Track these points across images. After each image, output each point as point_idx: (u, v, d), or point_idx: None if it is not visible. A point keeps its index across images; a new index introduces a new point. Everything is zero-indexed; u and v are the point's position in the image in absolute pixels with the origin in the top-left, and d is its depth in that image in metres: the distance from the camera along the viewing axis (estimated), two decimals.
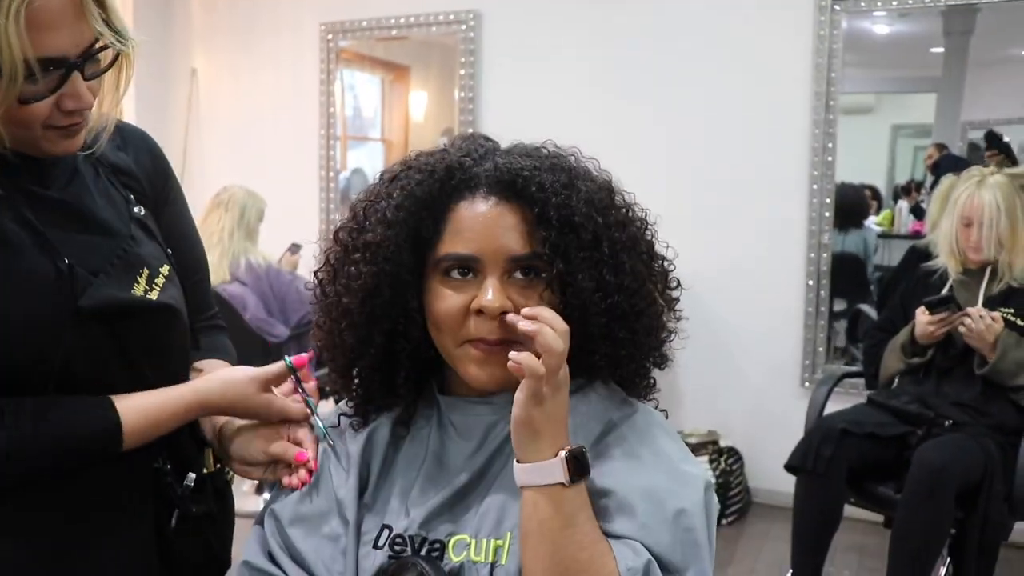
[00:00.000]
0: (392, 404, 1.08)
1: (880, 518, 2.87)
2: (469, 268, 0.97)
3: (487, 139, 1.07)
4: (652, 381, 1.09)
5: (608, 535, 0.92)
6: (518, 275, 0.97)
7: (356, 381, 1.07)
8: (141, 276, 1.07)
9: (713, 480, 1.09)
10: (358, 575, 1.00)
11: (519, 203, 0.97)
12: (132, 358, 1.06)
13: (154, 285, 1.08)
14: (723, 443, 3.76)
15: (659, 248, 1.08)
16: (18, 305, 0.95)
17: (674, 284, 1.09)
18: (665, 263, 1.08)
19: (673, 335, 1.09)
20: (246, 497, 3.83)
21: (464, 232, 0.97)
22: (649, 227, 1.07)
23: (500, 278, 0.96)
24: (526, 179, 0.96)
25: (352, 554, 1.01)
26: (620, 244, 0.99)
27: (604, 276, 0.96)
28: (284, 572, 1.04)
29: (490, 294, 0.94)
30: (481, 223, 0.97)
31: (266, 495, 3.76)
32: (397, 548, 0.99)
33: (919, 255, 3.12)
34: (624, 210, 1.03)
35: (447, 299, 0.97)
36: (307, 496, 1.06)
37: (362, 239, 1.00)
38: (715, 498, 1.01)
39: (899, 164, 4.06)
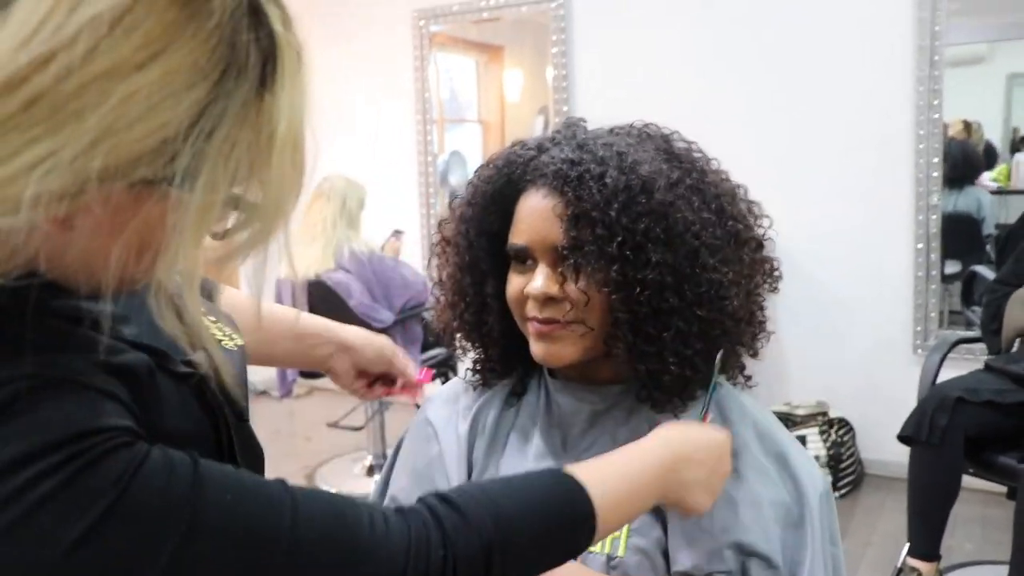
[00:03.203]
0: (503, 375, 1.15)
1: (1003, 489, 2.77)
2: (527, 256, 1.02)
3: (576, 124, 1.09)
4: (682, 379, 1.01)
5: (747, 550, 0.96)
6: (569, 265, 0.98)
7: (467, 350, 1.16)
8: (209, 315, 0.83)
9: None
10: None
11: (562, 195, 0.98)
12: None
13: (223, 330, 0.85)
14: (833, 414, 3.67)
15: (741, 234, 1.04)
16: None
17: (766, 276, 1.07)
18: (747, 250, 1.04)
19: (750, 339, 1.06)
20: (357, 479, 3.96)
21: (520, 223, 1.02)
22: (722, 219, 1.01)
23: (551, 266, 0.99)
24: (555, 173, 0.99)
25: None
26: (653, 237, 0.95)
27: (611, 272, 0.95)
28: None
29: (537, 281, 0.99)
30: (532, 215, 1.01)
31: (377, 477, 3.87)
32: None
33: None
34: (670, 202, 0.96)
35: (511, 283, 1.04)
36: (420, 474, 1.13)
37: (444, 233, 1.12)
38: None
39: (1016, 115, 3.86)
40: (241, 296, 1.09)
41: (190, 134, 0.54)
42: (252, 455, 0.82)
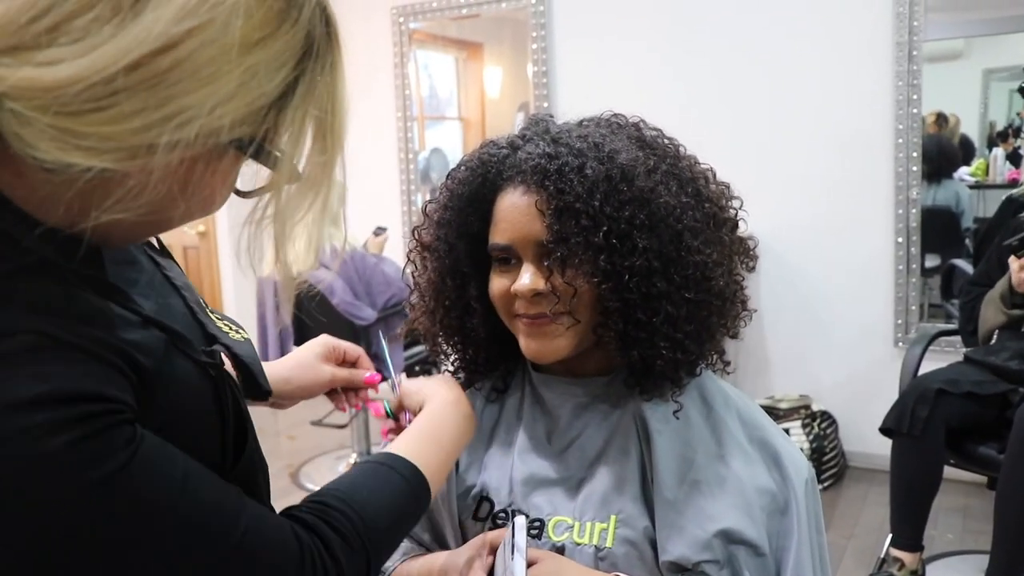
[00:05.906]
0: (487, 373, 1.15)
1: (983, 479, 2.80)
2: (511, 255, 1.01)
3: (544, 119, 1.08)
4: (675, 361, 1.00)
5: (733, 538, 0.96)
6: (555, 259, 0.98)
7: (448, 354, 1.16)
8: (213, 313, 0.87)
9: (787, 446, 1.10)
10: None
11: (542, 190, 0.98)
12: None
13: (230, 326, 0.89)
14: (816, 407, 3.70)
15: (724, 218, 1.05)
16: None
17: (743, 255, 1.07)
18: (728, 236, 1.05)
19: (733, 320, 1.06)
20: None
21: (500, 223, 1.01)
22: (699, 202, 1.01)
23: (536, 262, 0.99)
24: (533, 168, 0.98)
25: (457, 526, 1.08)
26: (637, 223, 0.95)
27: (599, 262, 0.95)
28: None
29: (524, 278, 0.98)
30: (513, 212, 1.00)
31: None
32: (500, 522, 1.05)
33: (1016, 205, 3.00)
34: (651, 188, 0.97)
35: (495, 283, 1.03)
36: None
37: (423, 239, 1.10)
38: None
39: (992, 110, 3.89)
40: None
41: (282, 104, 0.66)
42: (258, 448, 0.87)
